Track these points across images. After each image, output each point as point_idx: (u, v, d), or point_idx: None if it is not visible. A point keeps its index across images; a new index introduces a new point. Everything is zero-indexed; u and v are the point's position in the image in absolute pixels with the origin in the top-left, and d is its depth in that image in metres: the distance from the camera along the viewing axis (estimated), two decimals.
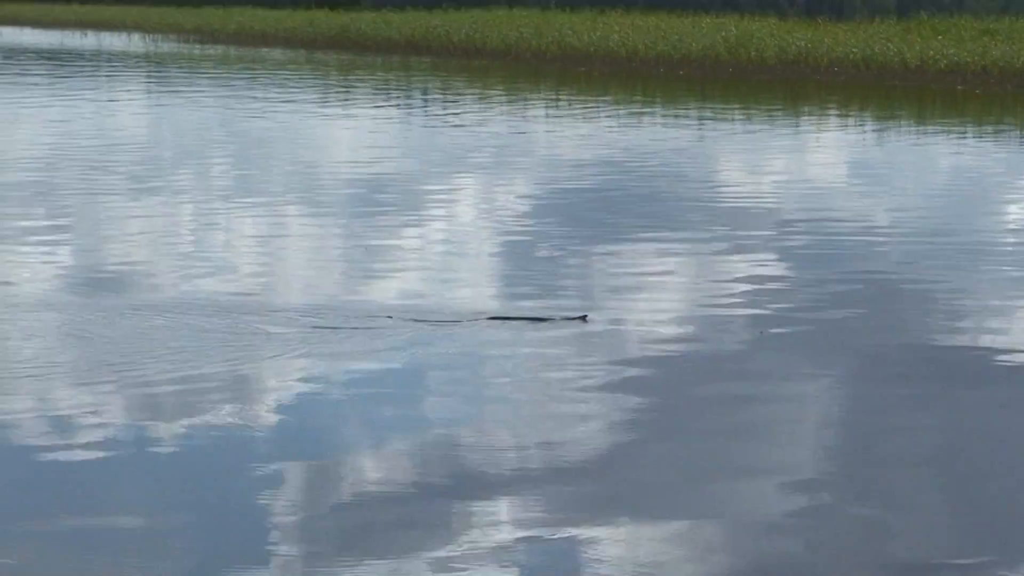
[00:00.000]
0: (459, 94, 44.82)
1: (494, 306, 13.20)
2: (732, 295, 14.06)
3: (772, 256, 16.35)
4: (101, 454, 8.75)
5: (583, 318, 12.81)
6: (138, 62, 58.41)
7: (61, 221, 17.60)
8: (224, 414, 9.61)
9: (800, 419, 10.06)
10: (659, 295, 14.03)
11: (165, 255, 15.35)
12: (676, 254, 16.27)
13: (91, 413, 9.47)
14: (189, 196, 20.07)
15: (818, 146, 30.81)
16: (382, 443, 9.12)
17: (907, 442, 9.65)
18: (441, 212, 19.20)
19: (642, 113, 38.26)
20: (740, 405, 10.35)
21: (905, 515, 8.25)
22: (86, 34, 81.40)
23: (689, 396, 10.49)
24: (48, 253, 15.30)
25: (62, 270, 14.39)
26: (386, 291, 13.80)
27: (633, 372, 11.05)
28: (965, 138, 33.75)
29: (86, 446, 8.82)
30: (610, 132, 32.12)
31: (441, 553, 7.40)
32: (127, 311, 12.24)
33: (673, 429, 9.71)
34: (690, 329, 12.57)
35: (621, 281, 14.59)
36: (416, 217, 18.56)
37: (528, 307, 13.15)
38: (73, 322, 11.83)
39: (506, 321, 12.57)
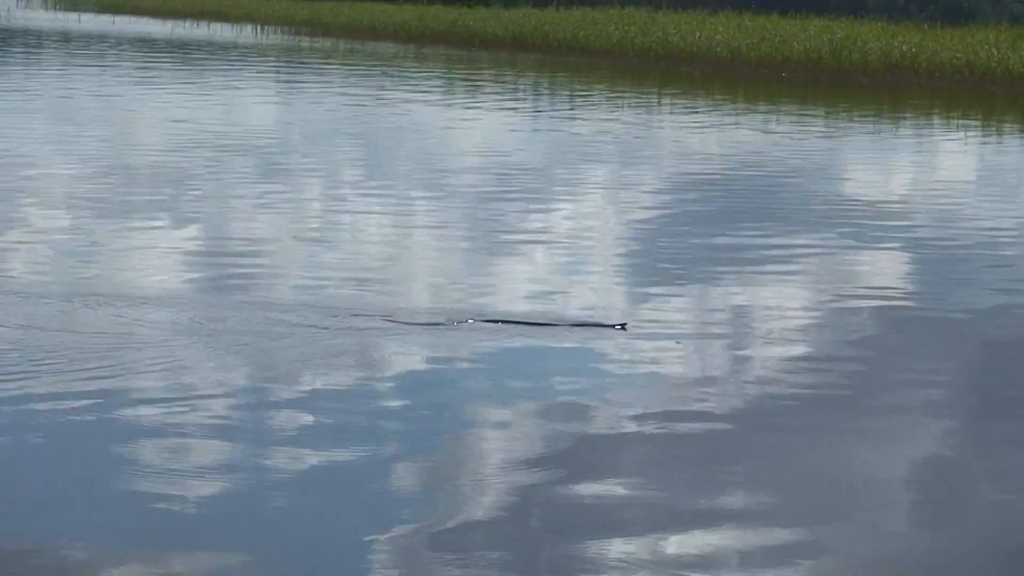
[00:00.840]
0: (567, 92, 45.50)
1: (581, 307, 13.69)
2: (852, 298, 14.47)
3: (893, 265, 16.74)
4: (220, 441, 9.18)
5: (623, 326, 12.35)
6: (249, 53, 59.50)
7: (188, 213, 18.21)
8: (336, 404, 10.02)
9: (922, 423, 10.45)
10: (777, 297, 14.45)
11: (282, 251, 15.84)
12: (795, 257, 16.71)
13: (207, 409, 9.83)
14: (310, 193, 20.70)
15: (924, 151, 31.18)
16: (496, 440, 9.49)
17: None
18: (555, 211, 19.74)
19: (745, 114, 38.75)
20: (860, 403, 10.80)
21: None
22: (197, 24, 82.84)
23: (804, 397, 10.93)
24: (173, 246, 15.82)
25: (186, 264, 14.91)
26: (458, 289, 14.04)
27: (745, 370, 11.52)
28: None
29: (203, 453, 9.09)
30: (716, 133, 32.68)
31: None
32: (241, 307, 12.68)
33: (787, 427, 10.19)
34: (810, 332, 12.93)
35: (740, 281, 15.05)
36: (526, 216, 19.08)
37: (618, 311, 13.29)
38: (192, 319, 12.21)
39: (534, 327, 12.17)
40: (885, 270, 16.27)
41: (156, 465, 8.67)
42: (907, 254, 17.30)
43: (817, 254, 17.04)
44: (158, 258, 15.09)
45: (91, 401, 9.85)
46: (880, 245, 17.77)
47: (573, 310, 13.19)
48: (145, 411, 9.71)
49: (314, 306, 12.68)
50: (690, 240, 17.52)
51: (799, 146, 30.51)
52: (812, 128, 35.08)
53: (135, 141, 26.33)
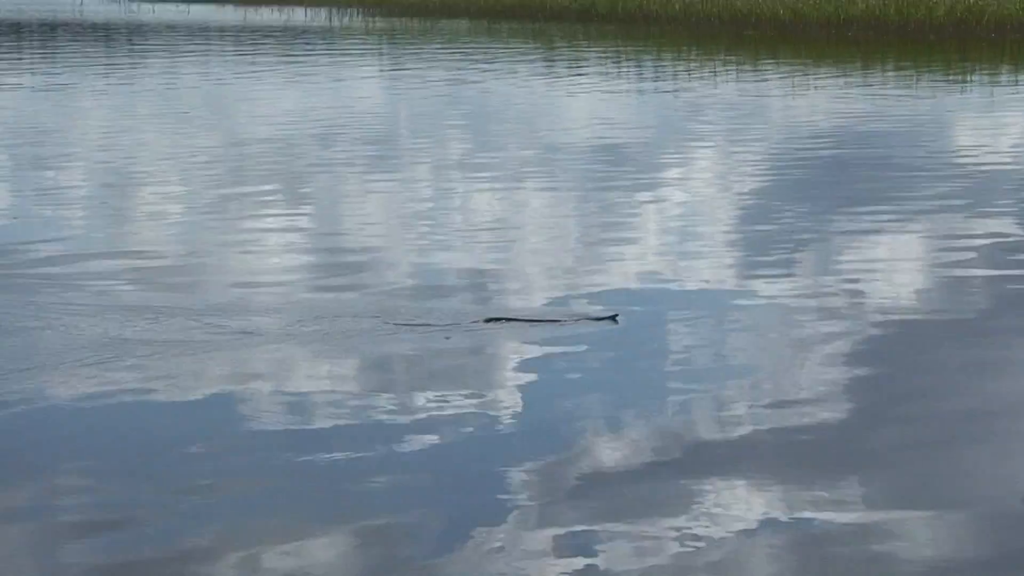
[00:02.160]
0: (643, 61, 46.52)
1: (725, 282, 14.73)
2: (964, 263, 14.76)
3: (1007, 216, 17.23)
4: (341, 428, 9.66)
5: (614, 318, 11.81)
6: (328, 37, 60.66)
7: (297, 201, 18.71)
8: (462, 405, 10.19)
9: None
10: (889, 265, 14.79)
11: (389, 238, 16.11)
12: (907, 211, 17.18)
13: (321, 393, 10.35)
14: (416, 174, 21.24)
15: (1006, 106, 31.98)
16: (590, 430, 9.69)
17: None
18: (645, 188, 20.03)
19: (817, 77, 39.65)
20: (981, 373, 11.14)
21: None
22: (272, 10, 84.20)
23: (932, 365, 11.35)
24: (284, 235, 16.22)
25: (296, 253, 15.25)
26: (536, 280, 14.01)
27: (874, 339, 11.92)
28: None
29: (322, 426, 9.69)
30: (792, 98, 33.57)
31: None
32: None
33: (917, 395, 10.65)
34: (926, 301, 13.17)
35: (852, 252, 15.39)
36: (632, 191, 19.53)
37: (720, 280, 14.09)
38: (286, 311, 12.46)
39: (509, 322, 11.68)
40: (999, 223, 16.82)
41: (280, 443, 9.33)
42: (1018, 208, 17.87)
43: (927, 209, 17.60)
44: (270, 248, 15.48)
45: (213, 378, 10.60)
46: (991, 201, 18.35)
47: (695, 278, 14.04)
48: (266, 387, 10.46)
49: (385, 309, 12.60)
50: (800, 205, 18.03)
51: (880, 105, 31.19)
52: (888, 87, 35.94)
53: (244, 129, 27.12)
